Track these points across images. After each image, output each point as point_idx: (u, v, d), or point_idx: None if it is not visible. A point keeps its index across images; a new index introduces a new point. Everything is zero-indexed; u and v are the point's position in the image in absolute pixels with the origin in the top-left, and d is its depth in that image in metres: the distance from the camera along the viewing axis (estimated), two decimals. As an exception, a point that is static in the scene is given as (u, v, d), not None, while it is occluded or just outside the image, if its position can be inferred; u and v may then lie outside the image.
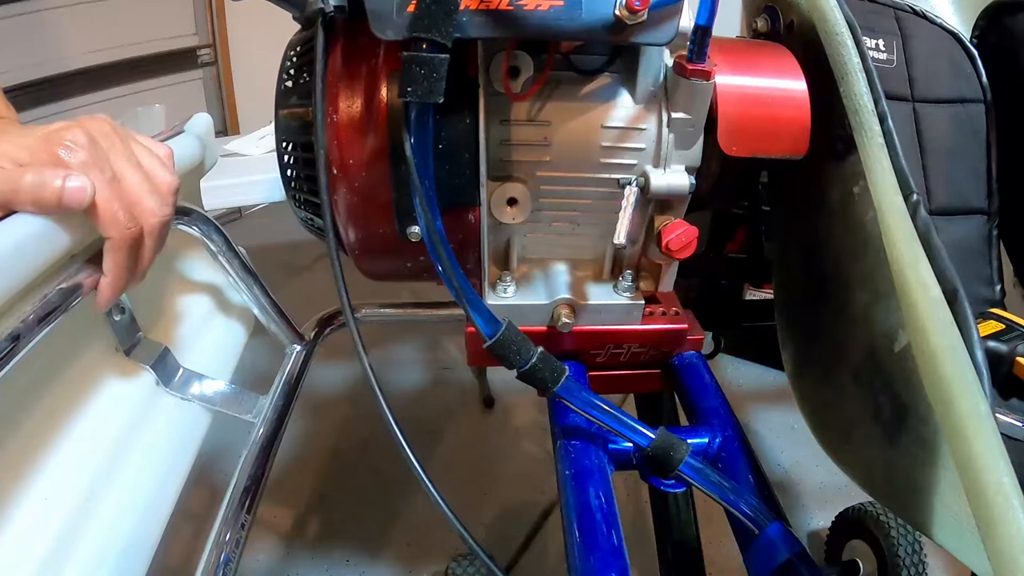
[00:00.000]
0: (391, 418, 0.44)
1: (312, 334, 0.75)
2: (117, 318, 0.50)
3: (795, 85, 0.50)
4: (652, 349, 0.60)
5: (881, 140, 0.45)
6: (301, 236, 0.70)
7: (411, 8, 0.39)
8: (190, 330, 0.61)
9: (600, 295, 0.57)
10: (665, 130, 0.50)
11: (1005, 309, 0.64)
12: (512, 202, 0.52)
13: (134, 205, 0.40)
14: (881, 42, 0.65)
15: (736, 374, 1.51)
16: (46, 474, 0.42)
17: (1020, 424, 0.50)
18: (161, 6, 1.94)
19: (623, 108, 0.50)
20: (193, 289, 0.65)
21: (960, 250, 0.65)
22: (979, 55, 0.68)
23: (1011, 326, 0.58)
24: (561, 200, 0.53)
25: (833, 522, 1.02)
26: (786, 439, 1.32)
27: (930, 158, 0.65)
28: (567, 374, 0.45)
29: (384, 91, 0.48)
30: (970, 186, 0.66)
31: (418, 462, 0.43)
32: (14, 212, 0.37)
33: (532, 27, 0.42)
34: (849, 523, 0.98)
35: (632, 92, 0.50)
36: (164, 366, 0.54)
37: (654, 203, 0.52)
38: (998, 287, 0.67)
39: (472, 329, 0.45)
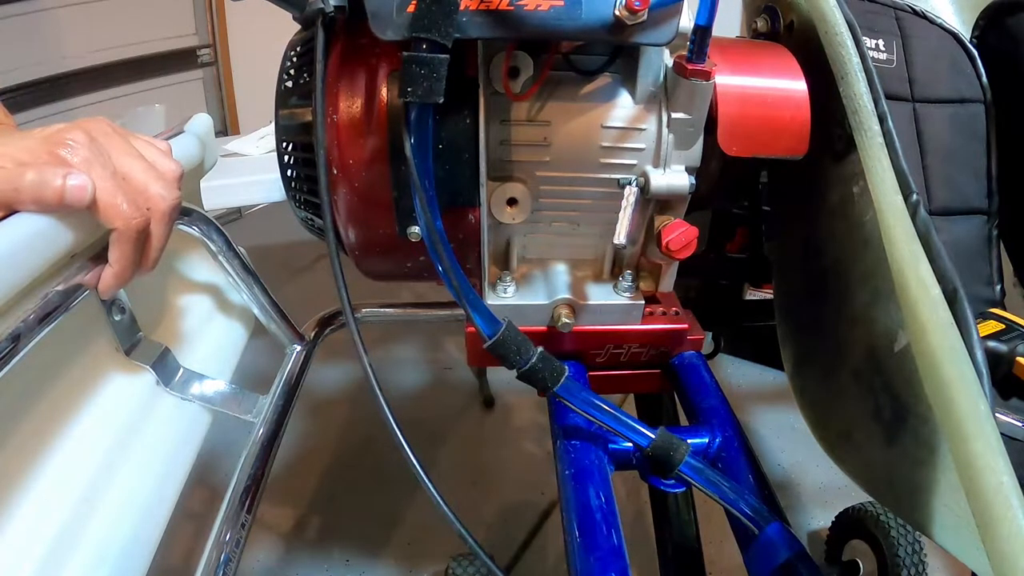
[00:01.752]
0: (391, 418, 0.44)
1: (312, 334, 0.75)
2: (117, 318, 0.50)
3: (795, 85, 0.50)
4: (652, 349, 0.60)
5: (881, 140, 0.45)
6: (301, 236, 0.70)
7: (411, 8, 0.39)
8: (190, 330, 0.61)
9: (600, 295, 0.57)
10: (665, 130, 0.50)
11: (1005, 309, 0.64)
12: (512, 202, 0.52)
13: (140, 194, 0.41)
14: (881, 42, 0.65)
15: (736, 374, 1.52)
16: (46, 473, 0.42)
17: (1020, 424, 0.50)
18: (161, 6, 1.94)
19: (623, 108, 0.50)
20: (193, 289, 0.65)
21: (960, 250, 0.65)
22: (979, 55, 0.68)
23: (1011, 326, 0.58)
24: (561, 200, 0.53)
25: (833, 522, 1.02)
26: (786, 439, 1.32)
27: (930, 158, 0.65)
28: (567, 374, 0.45)
29: (384, 91, 0.48)
30: (970, 186, 0.66)
31: (418, 462, 0.43)
32: (16, 212, 0.37)
33: (532, 27, 0.42)
34: (849, 523, 0.98)
35: (632, 92, 0.50)
36: (164, 366, 0.54)
37: (654, 203, 0.52)
38: (998, 287, 0.67)
39: (472, 329, 0.45)
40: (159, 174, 0.42)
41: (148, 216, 0.41)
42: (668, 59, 0.50)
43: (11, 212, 0.37)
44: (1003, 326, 0.58)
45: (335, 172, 0.50)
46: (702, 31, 0.44)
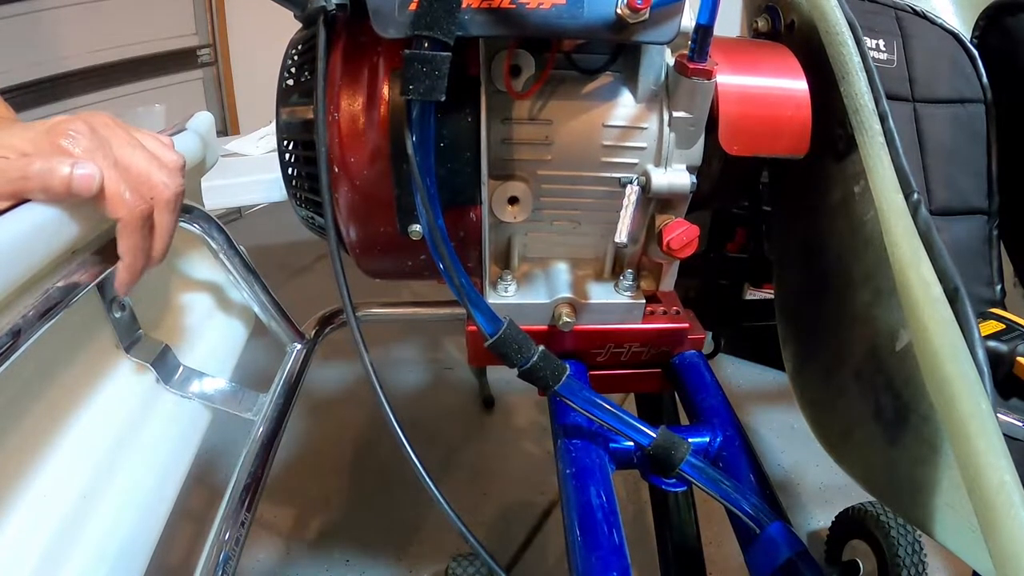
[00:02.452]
0: (392, 417, 0.44)
1: (312, 333, 0.75)
2: (118, 315, 0.50)
3: (796, 84, 0.50)
4: (653, 348, 0.60)
5: (882, 139, 0.45)
6: (301, 236, 0.70)
7: (413, 6, 0.39)
8: (190, 328, 0.61)
9: (601, 294, 0.57)
10: (666, 129, 0.50)
11: (1005, 309, 0.64)
12: (513, 201, 0.52)
13: (143, 183, 0.41)
14: (881, 42, 0.65)
15: (736, 374, 1.51)
16: (46, 471, 0.42)
17: (1021, 424, 0.50)
18: (161, 6, 1.94)
19: (624, 107, 0.50)
20: (194, 287, 0.65)
21: (960, 250, 0.65)
22: (979, 55, 0.68)
23: (1011, 326, 0.58)
24: (562, 199, 0.53)
25: (833, 522, 1.02)
26: (786, 439, 1.32)
27: (930, 158, 0.65)
28: (568, 373, 0.45)
29: (386, 89, 0.48)
30: (970, 186, 0.66)
31: (419, 461, 0.43)
32: (22, 201, 0.37)
33: (534, 25, 0.42)
34: (849, 523, 0.98)
35: (633, 91, 0.50)
36: (164, 364, 0.54)
37: (655, 202, 0.52)
38: (998, 287, 0.67)
39: (473, 328, 0.45)
40: (161, 163, 0.42)
41: (151, 204, 0.41)
42: (669, 58, 0.50)
43: (14, 204, 0.37)
44: (1003, 326, 0.58)
45: (336, 170, 0.49)
46: (703, 30, 0.44)
